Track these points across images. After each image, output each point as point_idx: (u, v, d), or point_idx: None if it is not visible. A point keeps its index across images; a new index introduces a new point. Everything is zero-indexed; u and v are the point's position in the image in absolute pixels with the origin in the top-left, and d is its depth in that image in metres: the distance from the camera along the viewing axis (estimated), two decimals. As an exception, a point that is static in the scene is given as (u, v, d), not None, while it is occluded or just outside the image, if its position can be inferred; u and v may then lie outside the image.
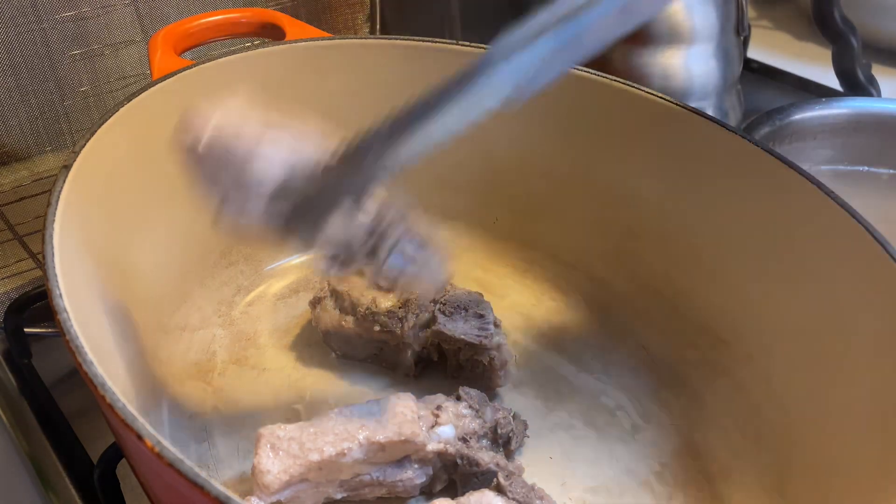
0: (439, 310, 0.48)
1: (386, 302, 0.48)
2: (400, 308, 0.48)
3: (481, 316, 0.48)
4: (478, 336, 0.47)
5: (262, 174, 0.35)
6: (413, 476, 0.41)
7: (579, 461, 0.46)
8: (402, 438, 0.40)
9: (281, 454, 0.38)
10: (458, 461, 0.41)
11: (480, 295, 0.49)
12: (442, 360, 0.50)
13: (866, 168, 0.68)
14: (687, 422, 0.49)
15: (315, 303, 0.50)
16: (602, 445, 0.47)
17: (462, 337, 0.47)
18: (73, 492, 0.46)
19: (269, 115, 0.37)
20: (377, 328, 0.48)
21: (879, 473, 0.39)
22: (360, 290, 0.49)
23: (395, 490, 0.41)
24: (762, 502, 0.44)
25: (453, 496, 0.42)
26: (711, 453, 0.47)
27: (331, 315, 0.49)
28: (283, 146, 0.35)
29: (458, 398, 0.44)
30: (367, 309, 0.48)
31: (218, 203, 0.36)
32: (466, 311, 0.48)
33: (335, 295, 0.49)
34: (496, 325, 0.48)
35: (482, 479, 0.42)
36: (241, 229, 0.36)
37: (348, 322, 0.49)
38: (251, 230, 0.36)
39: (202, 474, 0.28)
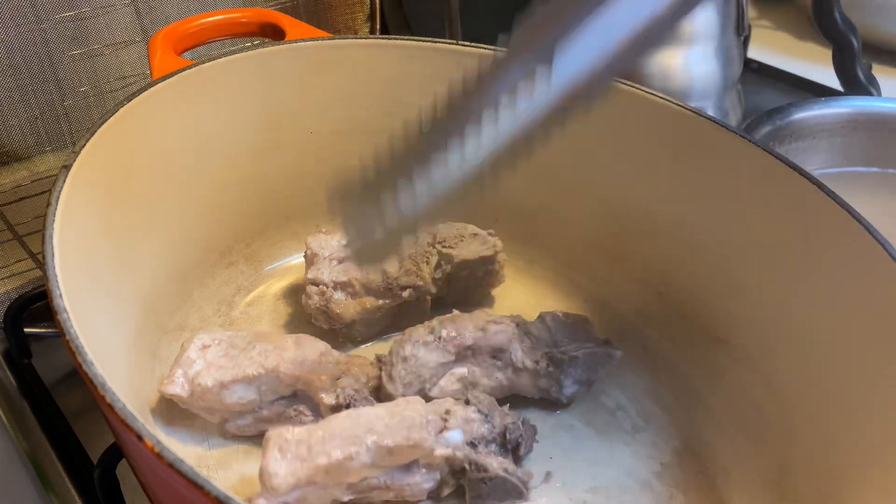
0: (443, 247, 0.52)
1: (391, 267, 0.51)
2: (407, 262, 0.51)
3: (475, 234, 0.53)
4: (486, 249, 0.53)
5: (238, 399, 0.43)
6: (421, 481, 0.41)
7: (579, 461, 0.46)
8: (411, 443, 0.40)
9: (289, 457, 0.38)
10: (467, 466, 0.41)
11: (454, 221, 0.54)
12: (449, 293, 0.54)
13: (866, 167, 0.68)
14: (687, 422, 0.49)
15: (321, 309, 0.50)
16: (602, 445, 0.47)
17: (479, 256, 0.52)
18: (73, 492, 0.46)
19: (234, 341, 0.45)
20: (404, 293, 0.50)
21: (879, 473, 0.39)
22: (359, 270, 0.50)
23: (402, 494, 0.41)
24: (762, 502, 0.44)
25: (461, 502, 0.43)
26: (711, 453, 0.47)
27: (348, 305, 0.50)
28: (244, 372, 0.43)
29: (467, 402, 0.43)
30: (385, 280, 0.50)
31: (220, 423, 0.45)
32: (462, 237, 0.53)
33: (340, 287, 0.50)
34: (490, 234, 0.53)
35: (490, 484, 0.42)
36: (244, 432, 0.45)
37: (368, 302, 0.50)
38: (251, 431, 0.45)
39: (202, 474, 0.28)
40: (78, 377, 0.31)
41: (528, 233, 0.58)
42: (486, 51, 0.55)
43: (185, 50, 0.53)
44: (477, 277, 0.54)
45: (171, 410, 0.45)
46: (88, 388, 0.31)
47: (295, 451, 0.39)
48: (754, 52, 0.89)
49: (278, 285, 0.56)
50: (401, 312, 0.52)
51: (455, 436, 0.41)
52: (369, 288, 0.50)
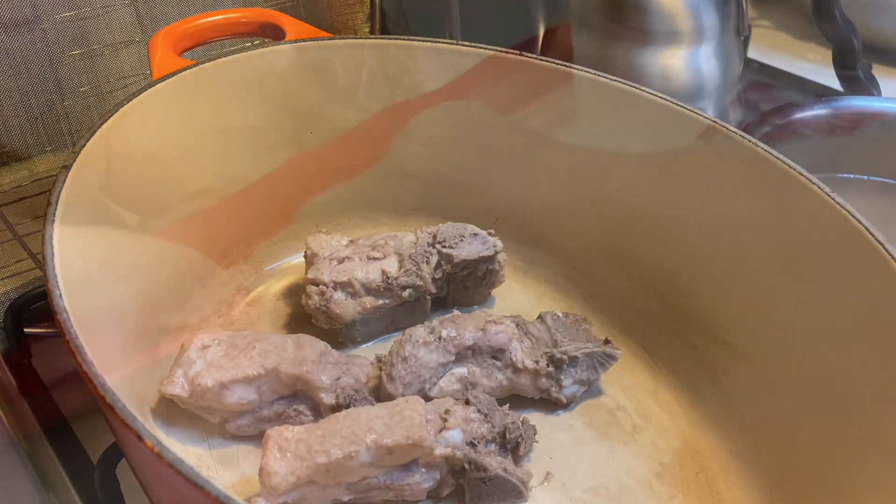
0: (443, 247, 0.52)
1: (390, 266, 0.50)
2: (407, 262, 0.51)
3: (475, 234, 0.53)
4: (487, 249, 0.52)
5: (238, 399, 0.43)
6: (420, 480, 0.41)
7: (579, 461, 0.46)
8: (410, 442, 0.40)
9: (288, 456, 0.38)
10: (466, 466, 0.41)
11: (453, 222, 0.54)
12: (449, 293, 0.54)
13: (866, 168, 0.68)
14: (687, 422, 0.49)
15: (321, 309, 0.50)
16: (602, 445, 0.47)
17: (479, 256, 0.52)
18: (73, 492, 0.46)
19: (234, 341, 0.44)
20: (404, 293, 0.50)
21: (879, 473, 0.39)
22: (360, 270, 0.50)
23: (402, 494, 0.41)
24: (762, 502, 0.44)
25: (461, 502, 0.43)
26: (711, 453, 0.47)
27: (348, 305, 0.50)
28: (244, 372, 0.43)
29: (467, 402, 0.43)
30: (385, 280, 0.50)
31: (220, 423, 0.44)
32: (462, 237, 0.52)
33: (340, 287, 0.50)
34: (490, 234, 0.53)
35: (490, 484, 0.42)
36: (244, 432, 0.45)
37: (368, 302, 0.50)
38: (251, 431, 0.45)
39: (202, 474, 0.28)
40: (78, 377, 0.31)
41: (528, 233, 0.58)
42: (486, 51, 0.55)
43: (185, 50, 0.53)
44: (477, 277, 0.54)
45: (171, 410, 0.45)
46: (88, 388, 0.31)
47: (294, 449, 0.39)
48: (754, 52, 0.89)
49: (278, 285, 0.56)
50: (401, 312, 0.52)
51: (455, 435, 0.41)
52: (369, 288, 0.50)
